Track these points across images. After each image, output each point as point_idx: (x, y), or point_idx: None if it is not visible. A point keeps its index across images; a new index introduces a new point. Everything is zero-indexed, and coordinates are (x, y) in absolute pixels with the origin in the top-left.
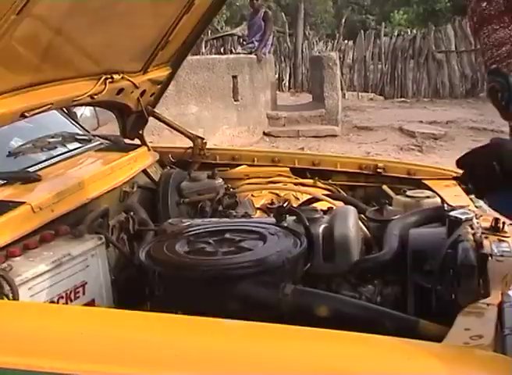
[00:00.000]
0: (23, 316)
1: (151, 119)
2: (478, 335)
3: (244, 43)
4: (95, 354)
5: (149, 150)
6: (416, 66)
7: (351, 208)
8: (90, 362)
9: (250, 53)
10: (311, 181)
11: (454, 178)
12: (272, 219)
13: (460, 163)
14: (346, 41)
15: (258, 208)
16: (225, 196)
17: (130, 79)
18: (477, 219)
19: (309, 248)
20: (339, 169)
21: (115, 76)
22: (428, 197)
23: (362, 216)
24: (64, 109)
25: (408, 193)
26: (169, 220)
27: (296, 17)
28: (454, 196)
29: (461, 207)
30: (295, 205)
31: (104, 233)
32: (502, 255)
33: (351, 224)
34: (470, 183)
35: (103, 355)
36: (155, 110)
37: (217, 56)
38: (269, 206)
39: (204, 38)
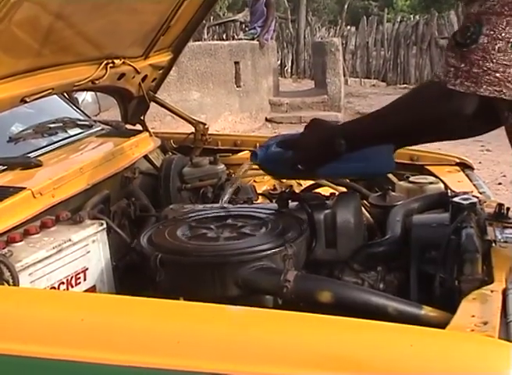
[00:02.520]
0: (24, 302)
1: (152, 105)
2: (482, 322)
3: (246, 29)
4: (96, 340)
5: (151, 136)
6: (419, 52)
7: (354, 193)
8: (90, 348)
9: (253, 39)
10: None
11: (458, 164)
12: (275, 205)
13: (284, 146)
14: (348, 27)
15: (260, 194)
16: (227, 182)
17: (131, 64)
18: (480, 205)
19: (311, 234)
20: None
21: (117, 61)
22: (431, 183)
23: (365, 201)
24: (65, 95)
25: (411, 179)
26: (171, 206)
27: (299, 3)
28: (457, 182)
29: (465, 193)
30: (297, 191)
31: (105, 219)
32: (506, 242)
33: (354, 210)
34: (302, 165)
35: (104, 341)
36: (157, 96)
37: (219, 42)
38: (271, 192)
39: (206, 24)
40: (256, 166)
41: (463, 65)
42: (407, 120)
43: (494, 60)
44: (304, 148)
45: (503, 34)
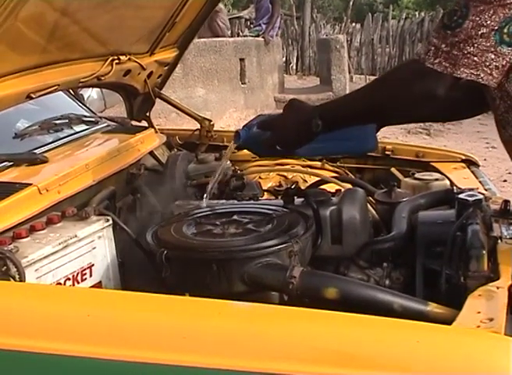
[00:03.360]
0: (30, 298)
1: (158, 101)
2: (488, 318)
3: (251, 26)
4: (102, 336)
5: (156, 132)
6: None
7: (360, 190)
8: (96, 344)
9: (258, 36)
10: (319, 163)
11: (463, 161)
12: (280, 202)
13: (263, 127)
14: (353, 24)
15: (266, 191)
16: (232, 178)
17: (137, 60)
18: (486, 201)
19: (317, 230)
20: None
21: (122, 58)
22: (436, 179)
23: (370, 198)
24: (70, 91)
25: (417, 175)
26: (177, 202)
27: (304, 0)
28: (463, 178)
29: (470, 189)
30: (303, 188)
31: (111, 215)
32: (511, 238)
33: (359, 207)
34: (279, 145)
35: (110, 337)
36: (162, 92)
37: (224, 39)
38: (277, 188)
39: None
40: (261, 163)
41: (443, 45)
42: (382, 99)
43: (475, 45)
44: (282, 129)
45: (488, 22)
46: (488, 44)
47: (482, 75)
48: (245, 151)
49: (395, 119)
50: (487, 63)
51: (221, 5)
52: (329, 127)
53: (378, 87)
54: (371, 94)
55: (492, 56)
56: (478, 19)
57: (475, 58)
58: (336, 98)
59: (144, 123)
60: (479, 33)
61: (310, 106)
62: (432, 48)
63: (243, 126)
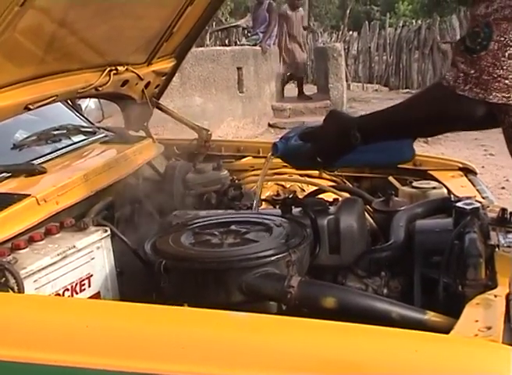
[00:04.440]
0: (29, 309)
1: (155, 111)
2: (486, 327)
3: (249, 35)
4: (100, 347)
5: (154, 142)
6: (421, 56)
7: (357, 199)
8: (95, 355)
9: (255, 45)
10: (316, 173)
11: (461, 169)
12: (278, 211)
13: (303, 138)
14: (350, 32)
15: (264, 200)
16: (230, 188)
17: (135, 70)
18: (483, 210)
19: (315, 239)
20: None
21: (120, 68)
22: (434, 188)
23: (368, 207)
24: (68, 102)
25: (414, 184)
26: (175, 212)
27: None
28: (461, 187)
29: (468, 198)
30: (301, 197)
31: (109, 226)
32: (509, 246)
33: (357, 216)
34: (320, 157)
35: (108, 347)
36: (160, 102)
37: (221, 48)
38: (275, 198)
39: (208, 30)
40: (259, 172)
41: (472, 71)
42: (419, 119)
43: (504, 67)
44: (322, 140)
45: None
46: None
47: None
48: (243, 160)
49: (429, 136)
50: None
51: None
52: (367, 140)
53: (414, 108)
54: (408, 114)
55: None
56: (502, 39)
57: (506, 82)
58: (375, 112)
59: (142, 133)
60: (506, 54)
61: (349, 118)
62: (461, 75)
63: (281, 138)
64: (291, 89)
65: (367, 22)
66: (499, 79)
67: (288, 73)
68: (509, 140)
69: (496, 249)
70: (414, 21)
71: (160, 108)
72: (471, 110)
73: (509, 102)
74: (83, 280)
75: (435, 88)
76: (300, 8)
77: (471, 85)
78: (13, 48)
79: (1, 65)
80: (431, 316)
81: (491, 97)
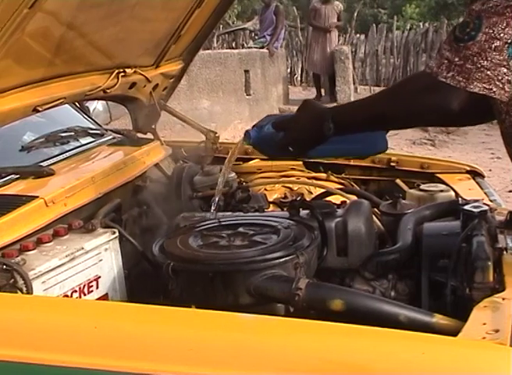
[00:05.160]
0: (37, 310)
1: (162, 113)
2: (494, 330)
3: (256, 37)
4: (109, 348)
5: (162, 144)
6: (428, 59)
7: (365, 202)
8: (103, 356)
9: (262, 47)
10: (324, 175)
11: (468, 172)
12: (286, 213)
13: (276, 127)
14: (358, 35)
15: (271, 202)
16: (238, 190)
17: (143, 73)
18: (491, 212)
19: (323, 242)
20: (352, 163)
21: (128, 70)
22: (441, 191)
23: (376, 210)
24: (76, 104)
25: (422, 187)
26: (182, 214)
27: (308, 11)
28: (468, 190)
29: (475, 201)
30: (308, 199)
31: (117, 228)
32: None
33: (365, 218)
34: (292, 147)
35: (116, 349)
36: (167, 104)
37: (229, 51)
38: (282, 200)
39: (215, 33)
40: (266, 175)
41: (457, 59)
42: (395, 108)
43: (489, 58)
44: (294, 130)
45: (502, 35)
46: (501, 58)
47: (495, 89)
48: (250, 163)
49: (405, 127)
50: (499, 77)
51: None
52: (340, 131)
53: (391, 97)
54: (384, 104)
55: (505, 70)
56: (491, 31)
57: (488, 72)
58: (349, 103)
59: (150, 136)
60: (492, 46)
61: (323, 109)
62: (445, 62)
63: (253, 126)
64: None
65: (374, 25)
66: (482, 69)
67: (312, 72)
68: (507, 144)
69: (504, 252)
70: (421, 24)
71: (168, 111)
72: (450, 98)
73: (490, 94)
74: (91, 282)
75: (417, 76)
76: (336, 2)
77: (454, 72)
78: (22, 50)
79: (9, 67)
80: (438, 319)
81: (472, 86)
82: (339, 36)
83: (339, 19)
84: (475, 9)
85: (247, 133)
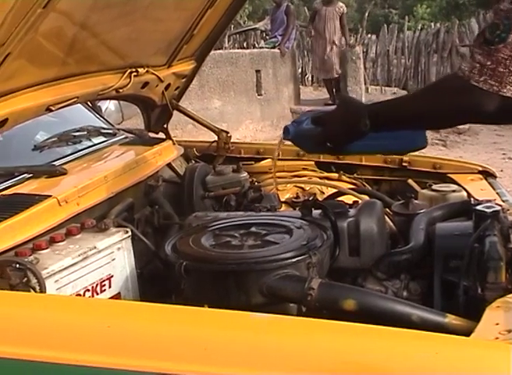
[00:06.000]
0: (50, 309)
1: (174, 113)
2: (506, 330)
3: (267, 37)
4: (121, 347)
5: (174, 144)
6: (439, 60)
7: (377, 202)
8: (116, 355)
9: (273, 47)
10: (336, 175)
11: (480, 172)
12: (298, 213)
13: (314, 122)
14: (369, 35)
15: (284, 202)
16: (250, 190)
17: (155, 72)
18: (503, 213)
19: (335, 242)
20: (364, 163)
21: (140, 70)
22: (454, 191)
23: (388, 210)
24: (88, 103)
25: (434, 187)
26: (195, 214)
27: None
28: (480, 190)
29: (488, 201)
30: (320, 199)
31: (129, 227)
32: None
33: (377, 218)
34: (329, 142)
35: (130, 348)
36: (179, 104)
37: (240, 51)
38: (295, 200)
39: (226, 33)
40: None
41: (489, 62)
42: (429, 109)
43: None
44: (332, 125)
45: None
46: None
47: None
48: (262, 162)
49: (439, 128)
50: None
51: None
52: (377, 128)
53: (426, 98)
54: (419, 104)
55: None
56: None
57: None
58: (386, 101)
59: (162, 135)
60: None
61: (360, 105)
62: (477, 65)
63: (292, 122)
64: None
65: (385, 25)
66: None
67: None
68: None
69: None
70: (432, 24)
71: (180, 110)
72: (483, 102)
73: None
74: (104, 281)
75: (449, 78)
76: (339, 3)
77: (486, 76)
78: (35, 50)
79: (23, 66)
80: (451, 319)
81: (505, 90)
82: (349, 36)
83: (341, 22)
84: (503, 9)
85: (286, 128)
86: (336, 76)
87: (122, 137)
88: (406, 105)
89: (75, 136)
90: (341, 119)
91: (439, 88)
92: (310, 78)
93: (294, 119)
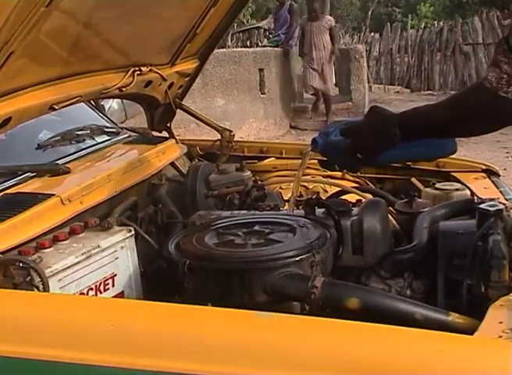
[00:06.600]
0: (53, 308)
1: (177, 112)
2: (510, 328)
3: (270, 36)
4: (125, 346)
5: (177, 143)
6: (443, 58)
7: (380, 200)
8: (120, 353)
9: (277, 46)
10: (339, 174)
11: (483, 171)
12: (301, 212)
13: (343, 134)
14: (372, 34)
15: (287, 201)
16: (253, 188)
17: (158, 71)
18: (507, 211)
19: (338, 240)
20: None
21: (143, 69)
22: (457, 189)
23: (391, 208)
24: (92, 102)
25: (437, 185)
26: (198, 212)
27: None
28: (484, 189)
29: (491, 199)
30: (324, 198)
31: (133, 226)
32: None
33: (380, 217)
34: (359, 153)
35: (133, 346)
36: (183, 103)
37: (243, 49)
38: (298, 199)
39: (230, 31)
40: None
41: None
42: (458, 119)
43: None
44: (361, 136)
45: None
46: None
47: None
48: (266, 161)
49: (469, 136)
50: None
51: None
52: (406, 137)
53: (453, 109)
54: (447, 115)
55: None
56: None
57: None
58: (414, 110)
59: (165, 134)
60: None
61: (389, 114)
62: (505, 76)
63: (320, 133)
64: None
65: (388, 23)
66: None
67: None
68: None
69: None
70: (435, 23)
71: (183, 109)
72: None
73: None
74: (107, 280)
75: (477, 89)
76: (327, 17)
77: None
78: (38, 48)
79: (26, 65)
80: (454, 318)
81: None
82: (353, 35)
83: (332, 36)
84: None
85: (314, 140)
86: (329, 93)
87: (126, 135)
88: (434, 115)
89: (78, 135)
90: (370, 130)
91: (468, 99)
92: None
93: (321, 131)
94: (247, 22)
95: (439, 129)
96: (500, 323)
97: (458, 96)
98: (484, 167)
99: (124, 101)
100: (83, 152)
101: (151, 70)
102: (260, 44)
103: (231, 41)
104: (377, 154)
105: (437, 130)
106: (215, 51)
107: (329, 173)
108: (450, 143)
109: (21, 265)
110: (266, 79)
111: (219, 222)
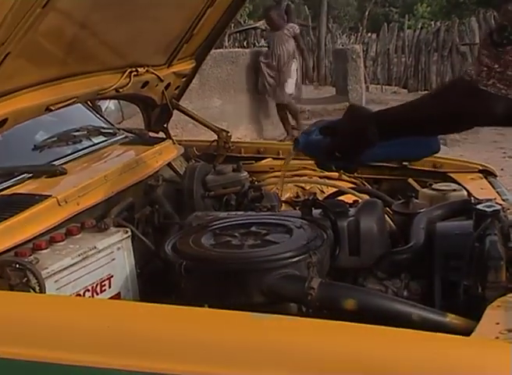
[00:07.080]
0: (50, 309)
1: (174, 112)
2: (507, 329)
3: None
4: (121, 347)
5: (174, 143)
6: (440, 58)
7: (377, 201)
8: (116, 355)
9: None
10: (336, 174)
11: (480, 171)
12: (298, 213)
13: (323, 133)
14: (369, 34)
15: (284, 202)
16: (250, 189)
17: (155, 72)
18: (504, 212)
19: (335, 241)
20: None
21: (140, 70)
22: (454, 190)
23: (388, 209)
24: (88, 103)
25: (434, 186)
26: (195, 213)
27: (319, 10)
28: (480, 189)
29: (488, 200)
30: (320, 199)
31: (129, 227)
32: None
33: (377, 217)
34: (338, 152)
35: (129, 348)
36: (179, 103)
37: (240, 50)
38: (295, 199)
39: (226, 32)
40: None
41: (497, 66)
42: (437, 115)
43: None
44: (339, 135)
45: None
46: None
47: None
48: (263, 162)
49: (447, 133)
50: None
51: None
52: (385, 136)
53: (433, 103)
54: (426, 110)
55: None
56: None
57: None
58: (393, 108)
59: (162, 135)
60: None
61: (367, 113)
62: (485, 69)
63: (302, 132)
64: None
65: (385, 24)
66: None
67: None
68: None
69: None
70: (432, 23)
71: (180, 110)
72: (492, 106)
73: None
74: (104, 281)
75: (456, 82)
76: (289, 24)
77: (495, 80)
78: (35, 49)
79: (22, 66)
80: (451, 319)
81: None
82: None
83: (297, 44)
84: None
85: (296, 139)
86: (287, 103)
87: (122, 136)
88: (413, 111)
89: (75, 135)
90: (348, 128)
91: (446, 93)
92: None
93: (304, 130)
94: (244, 22)
95: (418, 125)
96: (497, 323)
97: (437, 91)
98: (481, 167)
99: (121, 101)
100: (80, 153)
101: (147, 71)
102: (257, 44)
103: (228, 41)
104: (356, 153)
105: (416, 126)
106: (212, 51)
107: (326, 173)
108: (434, 142)
109: (17, 266)
110: None
111: (216, 223)
